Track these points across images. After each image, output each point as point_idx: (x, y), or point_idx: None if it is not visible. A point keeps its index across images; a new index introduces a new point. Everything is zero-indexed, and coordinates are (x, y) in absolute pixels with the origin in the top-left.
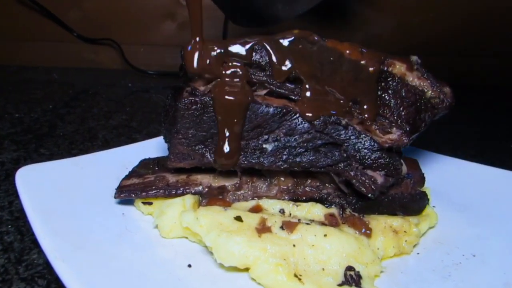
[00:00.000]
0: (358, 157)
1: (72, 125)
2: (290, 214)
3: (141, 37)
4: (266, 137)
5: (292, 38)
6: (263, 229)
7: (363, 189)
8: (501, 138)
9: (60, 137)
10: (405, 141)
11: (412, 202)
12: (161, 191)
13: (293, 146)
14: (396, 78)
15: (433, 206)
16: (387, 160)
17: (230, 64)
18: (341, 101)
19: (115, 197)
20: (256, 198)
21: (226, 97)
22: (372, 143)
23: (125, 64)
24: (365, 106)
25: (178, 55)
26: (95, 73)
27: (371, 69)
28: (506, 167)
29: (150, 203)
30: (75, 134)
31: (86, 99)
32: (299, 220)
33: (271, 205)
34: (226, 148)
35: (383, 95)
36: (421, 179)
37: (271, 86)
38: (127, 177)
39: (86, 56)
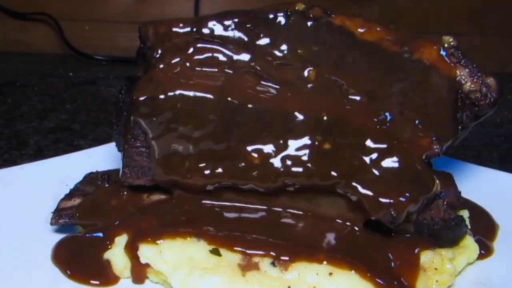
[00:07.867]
0: None
1: None
2: None
3: (85, 11)
4: None
5: (288, 12)
6: (248, 265)
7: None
8: None
9: None
10: (436, 150)
11: (445, 230)
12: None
13: None
14: (424, 65)
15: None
16: None
17: (204, 46)
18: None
19: (51, 224)
20: None
21: (198, 91)
22: None
23: (65, 47)
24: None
25: (135, 35)
26: (25, 59)
27: (394, 53)
28: None
29: None
30: None
31: (13, 93)
32: None
33: None
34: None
35: (407, 89)
36: (457, 199)
37: (260, 75)
38: (68, 196)
39: (13, 36)
